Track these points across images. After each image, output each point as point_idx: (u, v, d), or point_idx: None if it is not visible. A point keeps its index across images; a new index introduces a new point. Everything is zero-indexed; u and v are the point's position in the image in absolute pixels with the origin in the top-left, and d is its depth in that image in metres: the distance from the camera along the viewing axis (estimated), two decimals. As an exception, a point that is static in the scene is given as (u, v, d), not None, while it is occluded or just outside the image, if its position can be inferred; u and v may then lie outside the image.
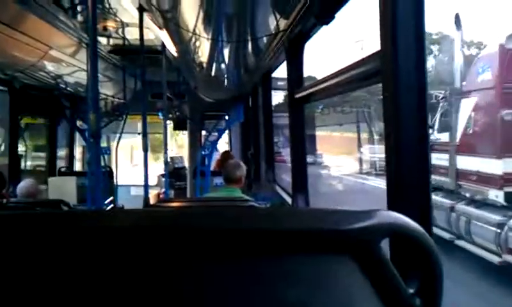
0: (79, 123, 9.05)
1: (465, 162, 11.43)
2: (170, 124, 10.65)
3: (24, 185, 5.54)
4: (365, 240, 0.84)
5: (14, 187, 5.80)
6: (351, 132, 26.17)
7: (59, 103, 8.54)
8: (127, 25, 7.03)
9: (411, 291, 0.90)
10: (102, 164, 6.83)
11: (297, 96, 3.67)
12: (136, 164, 15.30)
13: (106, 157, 9.12)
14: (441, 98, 12.72)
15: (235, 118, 9.39)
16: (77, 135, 9.77)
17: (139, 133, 10.37)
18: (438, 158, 12.17)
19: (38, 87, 7.25)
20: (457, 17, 11.70)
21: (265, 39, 4.16)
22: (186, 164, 11.85)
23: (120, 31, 7.30)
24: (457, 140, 11.74)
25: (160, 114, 9.42)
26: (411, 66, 1.58)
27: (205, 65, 5.50)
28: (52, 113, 8.64)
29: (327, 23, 3.01)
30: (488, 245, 9.98)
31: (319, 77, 3.09)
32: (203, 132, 10.49)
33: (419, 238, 0.88)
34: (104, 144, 9.95)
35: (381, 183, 14.99)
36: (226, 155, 9.10)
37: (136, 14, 5.55)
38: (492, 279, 9.48)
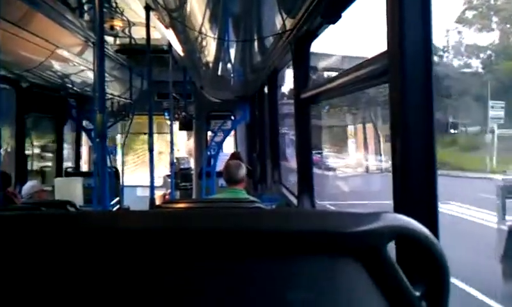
0: (85, 123, 9.08)
1: None
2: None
3: (28, 186, 5.58)
4: (371, 243, 0.84)
5: (21, 188, 5.82)
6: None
7: (66, 103, 8.57)
8: (134, 24, 7.03)
9: (417, 294, 0.89)
10: (109, 164, 6.83)
11: (304, 96, 3.65)
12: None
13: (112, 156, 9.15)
14: None
15: (241, 118, 9.39)
16: (84, 135, 9.80)
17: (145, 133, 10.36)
18: None
19: (45, 86, 7.27)
20: None
21: (271, 38, 4.15)
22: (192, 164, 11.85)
23: (127, 30, 7.30)
24: None
25: (166, 114, 9.43)
26: (418, 66, 1.57)
27: (211, 65, 5.50)
28: (58, 113, 8.67)
29: (333, 22, 3.00)
30: None
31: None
32: (209, 133, 10.49)
33: (426, 241, 0.87)
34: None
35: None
36: (235, 155, 9.08)
37: (143, 13, 5.55)
38: None
